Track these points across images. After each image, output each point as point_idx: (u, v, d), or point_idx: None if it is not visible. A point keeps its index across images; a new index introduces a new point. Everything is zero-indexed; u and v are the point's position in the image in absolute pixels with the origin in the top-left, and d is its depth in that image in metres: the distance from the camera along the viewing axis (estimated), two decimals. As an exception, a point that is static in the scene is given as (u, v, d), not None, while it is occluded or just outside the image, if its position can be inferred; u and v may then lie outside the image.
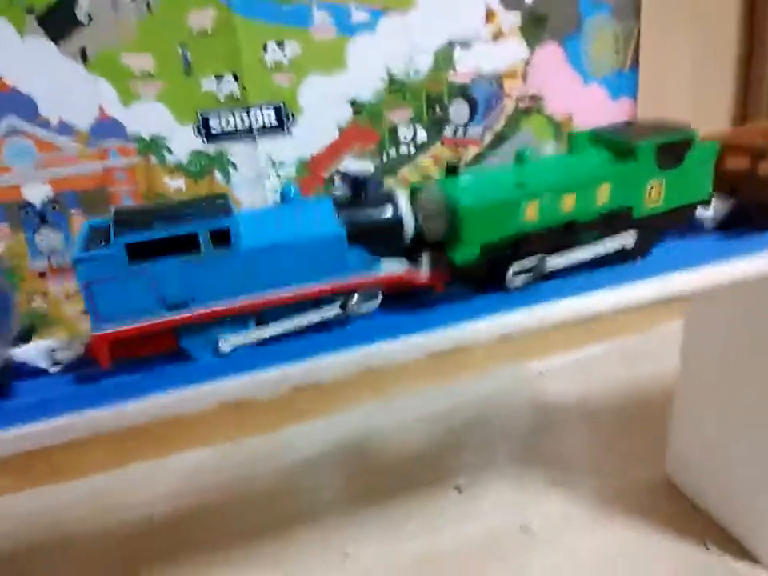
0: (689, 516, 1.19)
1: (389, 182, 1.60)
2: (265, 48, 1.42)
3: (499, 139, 1.65)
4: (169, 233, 0.65)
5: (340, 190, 1.59)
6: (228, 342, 0.71)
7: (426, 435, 1.51)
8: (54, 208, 1.46)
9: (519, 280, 0.79)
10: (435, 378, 1.64)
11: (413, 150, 1.60)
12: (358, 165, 1.57)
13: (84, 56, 1.37)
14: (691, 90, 1.75)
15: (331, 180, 1.58)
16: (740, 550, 1.11)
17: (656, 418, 1.30)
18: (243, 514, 1.34)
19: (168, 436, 1.47)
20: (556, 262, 0.80)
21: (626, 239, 0.83)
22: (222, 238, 0.67)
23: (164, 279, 0.67)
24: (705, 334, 1.15)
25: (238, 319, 0.71)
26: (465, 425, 1.53)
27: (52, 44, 1.33)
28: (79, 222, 1.47)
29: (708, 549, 1.12)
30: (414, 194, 0.79)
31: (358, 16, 1.45)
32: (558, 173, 0.79)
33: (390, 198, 0.76)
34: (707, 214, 0.90)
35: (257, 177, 1.52)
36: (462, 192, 0.75)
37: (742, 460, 1.09)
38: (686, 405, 1.21)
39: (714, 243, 0.88)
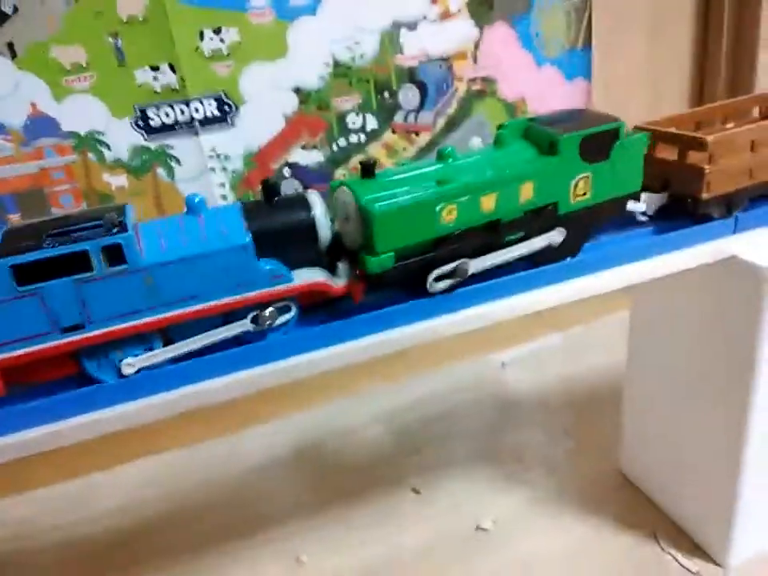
0: (641, 510, 1.17)
1: (338, 173, 1.56)
2: (201, 36, 1.37)
3: (452, 124, 1.61)
4: (58, 252, 0.61)
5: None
6: (132, 363, 0.68)
7: (383, 436, 1.47)
8: (-9, 212, 1.40)
9: (441, 285, 0.75)
10: (393, 374, 1.60)
11: (363, 139, 1.55)
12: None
13: (12, 51, 1.31)
14: (647, 68, 1.72)
15: (281, 172, 1.53)
16: (691, 545, 1.09)
17: (611, 410, 1.27)
18: (194, 522, 1.29)
19: (113, 446, 1.41)
20: (479, 264, 0.76)
21: (553, 237, 0.79)
22: (116, 254, 0.63)
23: (56, 301, 0.63)
24: (648, 325, 1.11)
25: (142, 339, 0.68)
26: (423, 423, 1.49)
27: (-25, 39, 1.28)
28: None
29: (660, 543, 1.10)
30: (331, 195, 0.74)
31: (298, -1, 1.41)
32: (479, 171, 0.74)
33: (303, 203, 0.71)
34: (639, 206, 0.87)
35: (202, 171, 1.47)
36: (375, 195, 0.70)
37: (690, 453, 1.06)
38: (635, 397, 1.18)
39: (647, 236, 0.85)
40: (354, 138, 1.55)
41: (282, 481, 1.37)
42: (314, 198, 0.72)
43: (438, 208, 0.71)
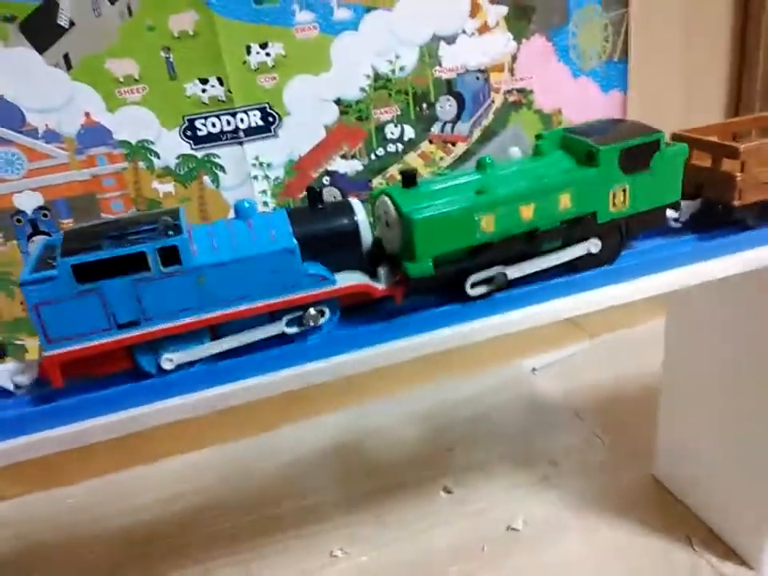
0: (675, 514, 1.18)
1: (376, 182, 1.60)
2: (248, 50, 1.42)
3: (488, 134, 1.64)
4: (116, 252, 0.65)
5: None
6: (171, 358, 0.71)
7: (415, 436, 1.50)
8: (45, 216, 1.46)
9: (479, 290, 0.77)
10: (426, 377, 1.64)
11: (400, 148, 1.59)
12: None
13: (68, 62, 1.37)
14: (683, 80, 1.73)
15: (320, 180, 1.58)
16: (725, 550, 1.10)
17: (645, 416, 1.29)
18: (234, 517, 1.33)
19: (154, 441, 1.47)
20: (516, 271, 0.78)
21: (591, 246, 0.81)
22: (171, 256, 0.66)
23: (114, 299, 0.66)
24: (685, 332, 1.13)
25: (194, 336, 0.71)
26: (456, 424, 1.52)
27: (35, 52, 1.34)
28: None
29: (694, 548, 1.12)
30: (373, 203, 0.77)
31: (341, 14, 1.44)
32: (518, 181, 0.76)
33: (346, 209, 0.75)
34: (673, 212, 0.88)
35: (245, 179, 1.52)
36: (415, 203, 0.72)
37: (725, 459, 1.08)
38: (671, 404, 1.20)
39: (682, 244, 0.86)
40: (392, 148, 1.59)
41: (316, 478, 1.41)
42: (357, 205, 0.75)
43: (476, 217, 0.73)
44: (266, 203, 1.56)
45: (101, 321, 0.67)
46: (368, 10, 1.46)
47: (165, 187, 1.49)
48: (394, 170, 1.61)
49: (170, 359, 0.71)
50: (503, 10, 1.54)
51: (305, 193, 1.59)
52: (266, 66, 1.44)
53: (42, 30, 1.33)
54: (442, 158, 1.63)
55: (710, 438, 1.10)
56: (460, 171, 0.80)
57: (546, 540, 1.18)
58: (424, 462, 1.42)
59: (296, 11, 1.41)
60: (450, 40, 1.53)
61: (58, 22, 1.35)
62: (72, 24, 1.35)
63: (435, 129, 1.61)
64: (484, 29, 1.55)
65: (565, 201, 0.77)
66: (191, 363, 0.72)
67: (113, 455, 1.49)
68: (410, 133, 1.59)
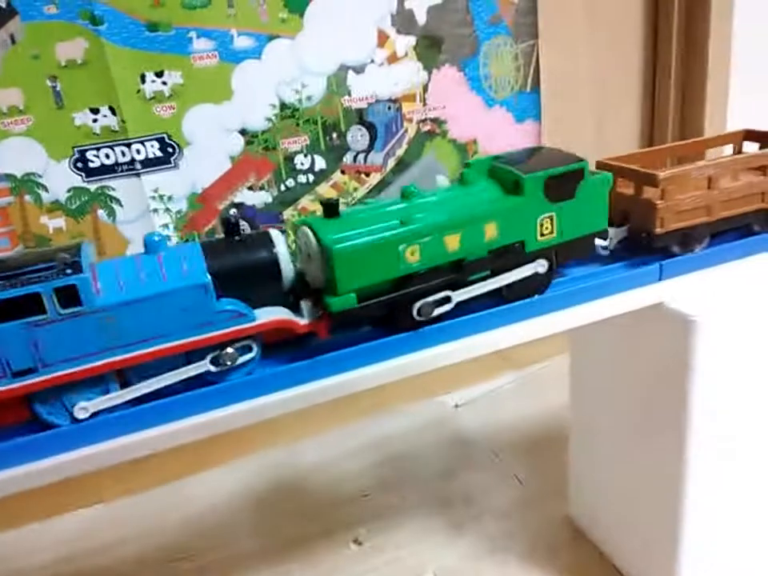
0: (589, 561, 1.13)
1: (287, 214, 1.54)
2: (143, 78, 1.36)
3: (403, 164, 1.60)
4: (8, 294, 0.60)
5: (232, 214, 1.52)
6: (86, 407, 0.66)
7: (331, 480, 1.42)
8: (-74, 254, 1.35)
9: (425, 314, 0.74)
10: (344, 418, 1.57)
11: (311, 179, 1.54)
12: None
13: (-54, 92, 1.28)
14: (596, 109, 1.74)
15: (227, 212, 1.51)
16: None
17: (563, 454, 1.25)
18: (135, 574, 1.24)
19: (53, 496, 1.36)
20: (461, 295, 0.76)
21: (521, 274, 0.78)
22: (70, 296, 0.61)
23: (7, 345, 0.62)
24: (587, 367, 1.09)
25: (98, 381, 0.66)
26: (373, 466, 1.45)
27: None
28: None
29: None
30: (295, 233, 0.73)
31: (242, 42, 1.40)
32: (442, 211, 0.74)
33: (265, 240, 0.70)
34: (603, 241, 0.87)
35: (144, 212, 1.44)
36: (337, 234, 0.69)
37: (633, 500, 1.03)
38: (580, 442, 1.15)
39: (607, 273, 0.85)
40: (302, 179, 1.54)
41: (222, 530, 1.32)
42: (277, 236, 0.71)
43: (401, 248, 0.71)
44: (168, 238, 1.47)
45: None
46: (270, 38, 1.42)
47: (55, 222, 1.39)
48: (305, 202, 1.55)
49: (83, 408, 0.66)
50: (412, 40, 1.53)
51: (210, 226, 1.53)
52: (163, 95, 1.38)
53: None
54: (356, 189, 1.59)
55: (617, 477, 1.06)
56: (384, 200, 0.78)
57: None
58: (337, 509, 1.34)
59: (193, 38, 1.36)
60: (359, 69, 1.50)
61: (-64, 49, 1.26)
62: (-50, 52, 1.27)
63: (347, 159, 1.56)
64: (393, 58, 1.52)
65: (491, 230, 0.76)
66: (102, 411, 0.67)
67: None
68: (320, 163, 1.54)
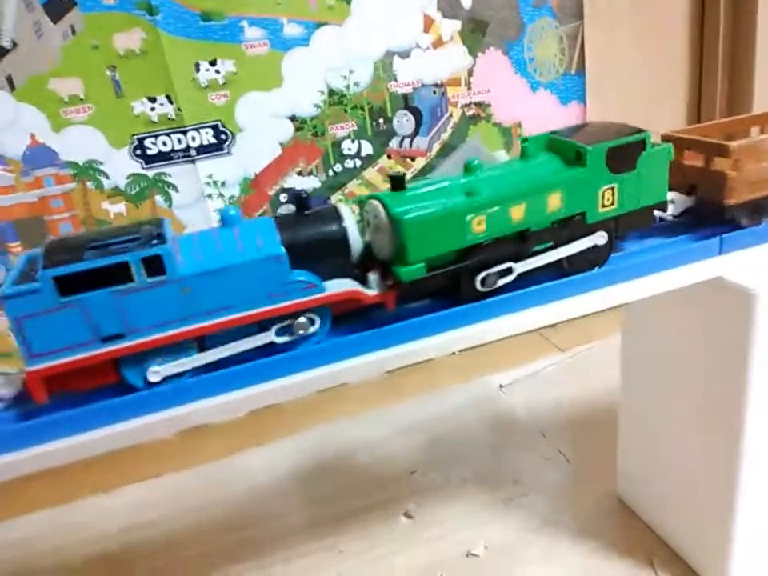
0: (637, 535, 1.14)
1: (335, 198, 1.57)
2: (197, 67, 1.40)
3: (447, 149, 1.62)
4: (99, 263, 0.63)
5: (284, 207, 1.56)
6: (158, 371, 0.69)
7: (379, 458, 1.45)
8: (-9, 240, 1.42)
9: (488, 285, 0.76)
10: (392, 397, 1.60)
11: (358, 164, 1.57)
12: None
13: (11, 84, 1.33)
14: (642, 89, 1.73)
15: (277, 197, 1.55)
16: (687, 571, 1.06)
17: (609, 433, 1.25)
18: (193, 544, 1.28)
19: (116, 468, 1.42)
20: (523, 266, 0.77)
21: (582, 246, 0.79)
22: (155, 266, 0.64)
23: (97, 311, 0.64)
24: (640, 346, 1.09)
25: (179, 348, 0.69)
26: (420, 445, 1.47)
27: (-24, 73, 1.30)
28: (18, 254, 1.43)
29: (655, 569, 1.08)
30: (361, 207, 0.75)
31: (291, 29, 1.43)
32: (507, 183, 0.76)
33: (334, 215, 0.73)
34: (667, 212, 0.87)
35: (199, 198, 1.48)
36: (405, 206, 0.71)
37: (685, 477, 1.03)
38: (630, 421, 1.16)
39: (666, 246, 0.85)
40: (349, 164, 1.57)
41: (275, 505, 1.36)
42: (345, 210, 0.73)
43: (468, 218, 0.72)
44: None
45: (84, 334, 0.65)
46: (318, 25, 1.44)
47: (115, 208, 1.45)
48: (352, 186, 1.58)
49: (156, 372, 0.68)
50: (457, 24, 1.54)
51: (261, 210, 1.57)
52: (217, 83, 1.42)
53: (-17, 51, 1.30)
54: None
55: (669, 455, 1.06)
56: (448, 176, 0.79)
57: (504, 567, 1.13)
58: (385, 486, 1.37)
59: (244, 27, 1.39)
60: (405, 55, 1.52)
61: (1, 43, 1.32)
62: (15, 45, 1.32)
63: (393, 144, 1.58)
64: (438, 43, 1.54)
65: (554, 201, 0.77)
66: (179, 375, 0.70)
67: (59, 487, 1.43)
68: (367, 148, 1.56)
